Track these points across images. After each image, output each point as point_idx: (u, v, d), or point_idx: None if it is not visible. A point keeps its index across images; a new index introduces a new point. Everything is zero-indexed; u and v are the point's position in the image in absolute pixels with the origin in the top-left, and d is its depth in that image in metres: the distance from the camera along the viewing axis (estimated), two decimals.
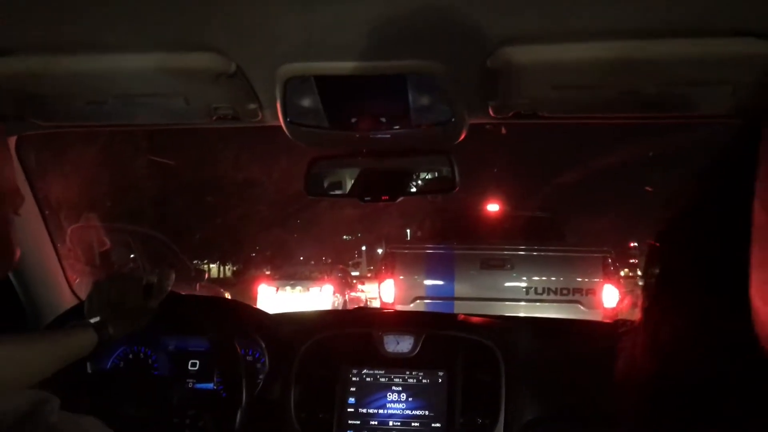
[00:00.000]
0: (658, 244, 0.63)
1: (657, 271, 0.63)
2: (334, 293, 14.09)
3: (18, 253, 1.06)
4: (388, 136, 1.30)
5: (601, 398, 1.46)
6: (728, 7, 0.90)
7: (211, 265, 22.90)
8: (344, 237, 30.93)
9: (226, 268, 25.13)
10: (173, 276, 1.43)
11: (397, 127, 1.27)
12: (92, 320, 1.27)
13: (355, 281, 17.45)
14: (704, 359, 0.55)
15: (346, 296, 14.79)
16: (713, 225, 0.56)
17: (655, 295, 0.63)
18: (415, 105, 1.20)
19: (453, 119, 1.24)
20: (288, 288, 13.93)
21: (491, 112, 1.25)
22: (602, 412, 1.48)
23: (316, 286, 14.10)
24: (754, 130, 0.54)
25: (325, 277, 14.94)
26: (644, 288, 0.65)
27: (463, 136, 1.34)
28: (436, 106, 1.22)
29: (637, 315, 0.66)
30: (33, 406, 0.65)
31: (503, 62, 1.04)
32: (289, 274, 15.08)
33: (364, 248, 32.18)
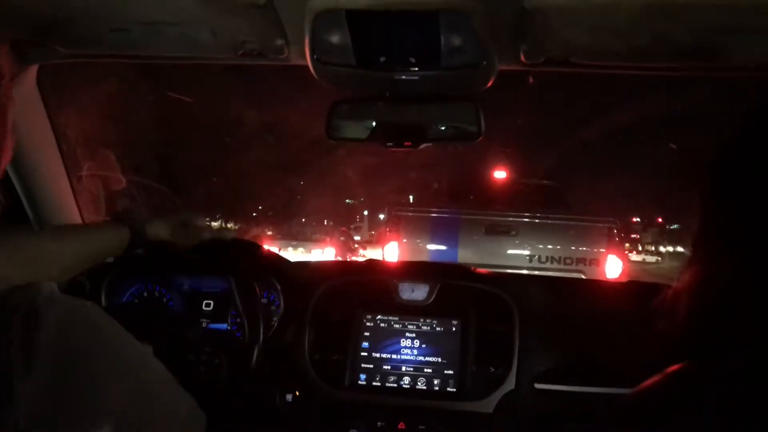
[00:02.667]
0: (706, 196, 0.62)
1: (705, 224, 0.62)
2: (335, 256, 14.18)
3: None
4: (416, 77, 1.28)
5: (612, 352, 1.47)
6: None
7: (213, 224, 22.94)
8: (347, 201, 30.92)
9: (228, 225, 25.20)
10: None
11: (426, 68, 1.24)
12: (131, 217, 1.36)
13: (356, 245, 17.54)
14: (748, 303, 0.55)
15: (348, 259, 14.88)
16: (759, 179, 0.56)
17: (704, 250, 0.62)
18: (446, 45, 1.18)
19: (483, 62, 1.22)
20: (290, 249, 14.03)
21: (522, 57, 1.23)
22: (612, 366, 1.49)
23: (317, 248, 14.19)
24: None
25: (327, 239, 15.01)
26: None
27: (491, 83, 1.32)
28: (467, 48, 1.19)
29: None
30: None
31: (540, 2, 1.02)
32: (291, 235, 15.17)
33: (366, 212, 32.21)
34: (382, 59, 1.23)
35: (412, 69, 1.25)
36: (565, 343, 1.53)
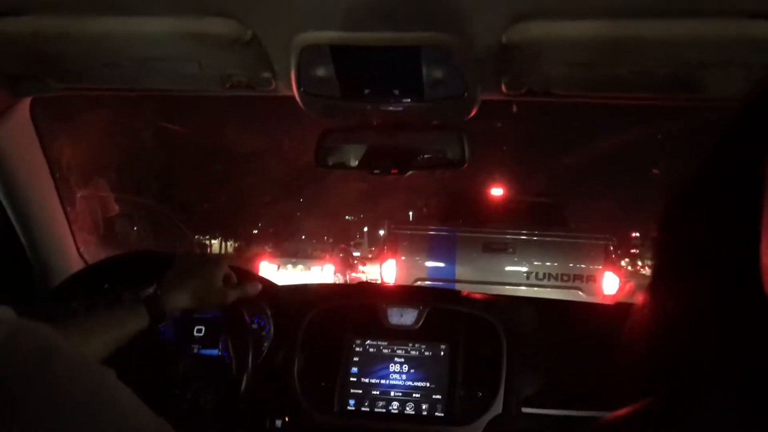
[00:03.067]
0: (664, 225, 0.64)
1: (662, 250, 0.64)
2: (335, 273, 14.17)
3: None
4: (400, 109, 1.31)
5: (599, 376, 1.49)
6: None
7: (213, 241, 22.97)
8: (347, 217, 30.96)
9: (228, 244, 25.21)
10: (259, 287, 1.47)
11: (409, 99, 1.27)
12: (147, 293, 1.28)
13: (356, 262, 17.53)
14: (709, 335, 0.57)
15: (347, 276, 14.87)
16: (718, 204, 0.58)
17: (660, 274, 0.64)
18: (429, 78, 1.21)
19: (465, 94, 1.24)
20: (289, 266, 14.00)
21: (504, 89, 1.26)
22: (600, 390, 1.50)
23: (317, 264, 14.17)
24: (762, 114, 0.55)
25: (327, 256, 15.01)
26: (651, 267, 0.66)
27: (474, 112, 1.35)
28: (449, 81, 1.22)
29: (638, 298, 0.67)
30: None
31: (519, 37, 1.05)
32: (291, 252, 15.15)
33: (366, 229, 32.24)
34: (367, 91, 1.26)
35: (396, 100, 1.28)
36: (554, 367, 1.55)
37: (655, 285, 0.65)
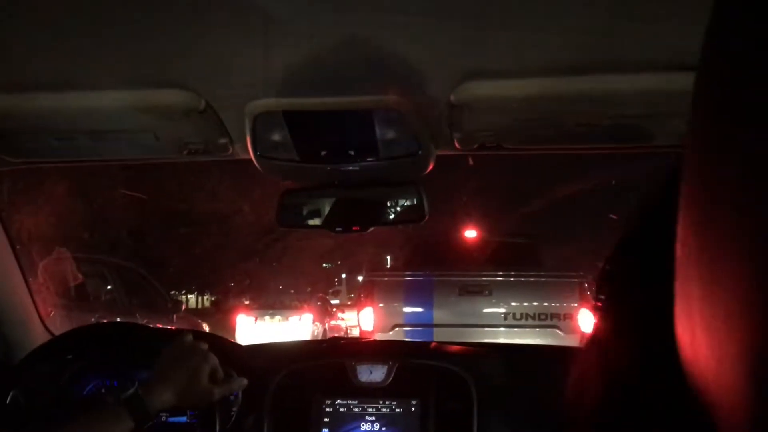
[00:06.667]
0: (606, 268, 0.65)
1: (604, 295, 0.65)
2: (313, 322, 13.99)
3: None
4: (358, 168, 1.33)
5: (574, 422, 1.48)
6: (676, 44, 0.95)
7: (189, 296, 22.64)
8: (324, 265, 30.80)
9: (204, 298, 24.85)
10: (245, 383, 1.39)
11: (365, 159, 1.29)
12: (127, 394, 1.20)
13: (335, 309, 17.36)
14: (641, 381, 0.58)
15: (326, 325, 14.69)
16: (654, 250, 0.59)
17: (603, 318, 0.65)
18: (383, 138, 1.23)
19: (420, 151, 1.27)
20: (267, 317, 13.80)
21: (457, 145, 1.28)
22: None
23: (295, 315, 14.00)
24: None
25: (305, 306, 14.84)
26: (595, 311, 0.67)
27: (430, 168, 1.38)
28: (403, 139, 1.25)
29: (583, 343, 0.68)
30: None
31: (466, 96, 1.08)
32: (269, 304, 14.95)
33: (344, 276, 32.08)
34: (323, 153, 1.28)
35: (353, 160, 1.30)
36: (526, 417, 1.54)
37: (597, 333, 0.66)
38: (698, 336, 0.39)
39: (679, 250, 0.46)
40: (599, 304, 0.66)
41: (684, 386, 0.49)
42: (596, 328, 0.66)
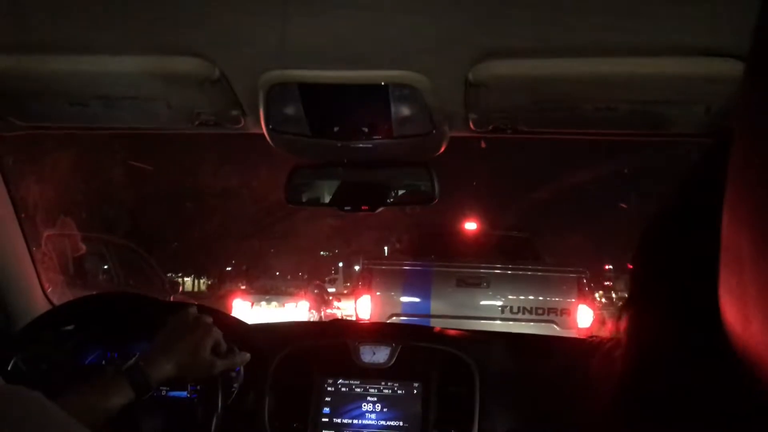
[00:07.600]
0: (636, 258, 0.64)
1: (634, 284, 0.64)
2: (309, 309, 14.02)
3: None
4: (370, 145, 1.32)
5: (573, 413, 1.48)
6: (701, 27, 0.94)
7: (186, 279, 22.64)
8: (321, 253, 30.80)
9: (201, 281, 24.87)
10: (248, 357, 1.38)
11: (378, 137, 1.28)
12: (128, 364, 1.20)
13: (331, 298, 17.38)
14: (677, 368, 0.57)
15: (322, 313, 14.72)
16: (684, 240, 0.58)
17: (632, 307, 0.64)
18: (397, 116, 1.22)
19: (434, 131, 1.26)
20: (263, 303, 13.82)
21: (471, 126, 1.27)
22: (573, 425, 1.49)
23: (291, 301, 14.02)
24: (723, 149, 0.56)
25: (302, 292, 14.87)
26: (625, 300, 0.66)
27: (443, 149, 1.36)
28: (417, 118, 1.24)
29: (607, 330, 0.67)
30: None
31: (485, 75, 1.06)
32: (265, 289, 14.98)
33: (341, 264, 32.09)
34: (336, 129, 1.26)
35: (366, 138, 1.29)
36: (527, 404, 1.53)
37: (630, 318, 0.65)
38: (753, 322, 0.38)
39: (727, 240, 0.45)
40: (627, 301, 0.65)
41: (734, 371, 0.48)
42: (628, 324, 0.64)
